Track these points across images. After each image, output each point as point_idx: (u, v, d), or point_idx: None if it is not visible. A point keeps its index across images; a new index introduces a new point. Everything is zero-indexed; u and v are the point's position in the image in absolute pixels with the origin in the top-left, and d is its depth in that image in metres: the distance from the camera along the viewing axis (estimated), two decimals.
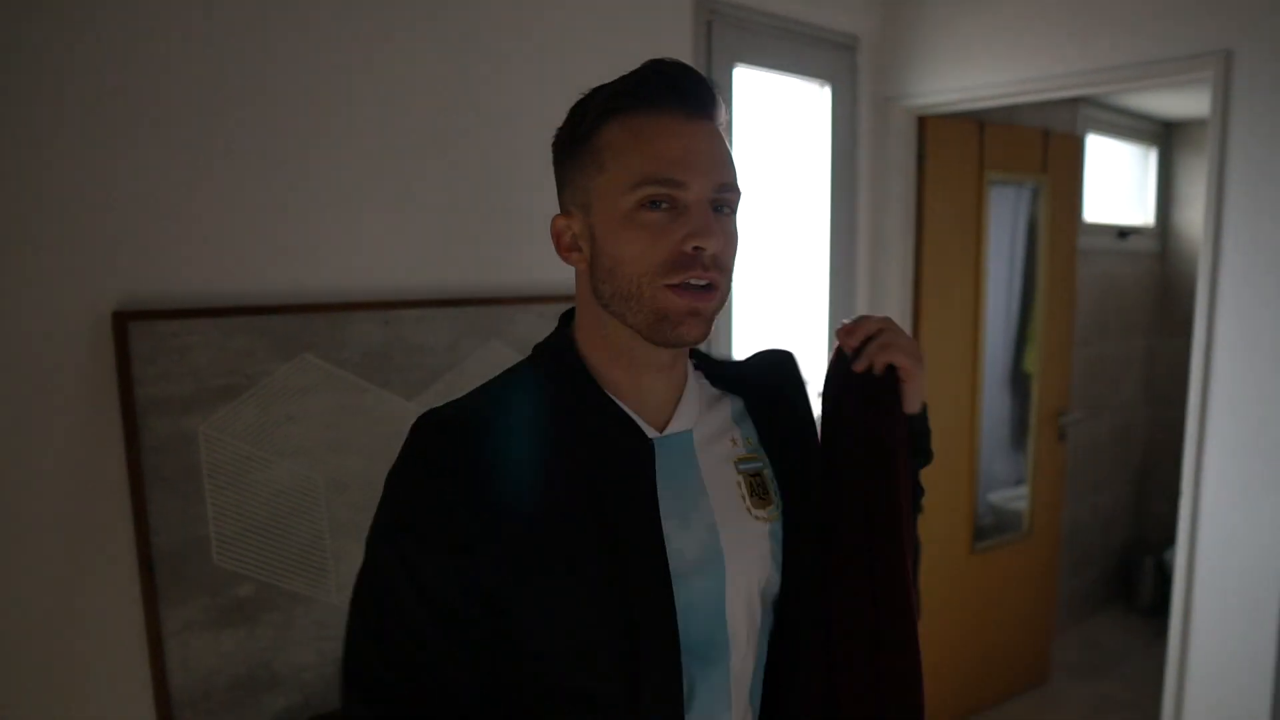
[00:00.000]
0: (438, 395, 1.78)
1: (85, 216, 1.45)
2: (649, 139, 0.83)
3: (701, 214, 0.83)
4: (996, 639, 3.32)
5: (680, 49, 2.26)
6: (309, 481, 1.67)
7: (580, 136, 0.87)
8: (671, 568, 0.87)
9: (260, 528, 1.62)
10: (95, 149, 1.45)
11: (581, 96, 0.90)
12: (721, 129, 0.89)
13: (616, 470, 0.88)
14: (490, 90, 1.90)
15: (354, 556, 1.42)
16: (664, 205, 0.83)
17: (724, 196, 0.86)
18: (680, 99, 0.84)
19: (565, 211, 0.91)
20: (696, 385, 0.99)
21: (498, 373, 0.97)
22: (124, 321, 1.47)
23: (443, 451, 0.86)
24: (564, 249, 0.92)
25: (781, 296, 2.76)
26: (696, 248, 0.82)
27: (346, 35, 1.70)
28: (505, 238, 1.94)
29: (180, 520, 1.54)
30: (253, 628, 1.62)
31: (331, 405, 1.69)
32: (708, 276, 0.84)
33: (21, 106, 1.38)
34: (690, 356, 1.00)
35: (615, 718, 0.85)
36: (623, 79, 0.87)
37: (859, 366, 1.00)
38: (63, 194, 1.43)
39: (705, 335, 0.87)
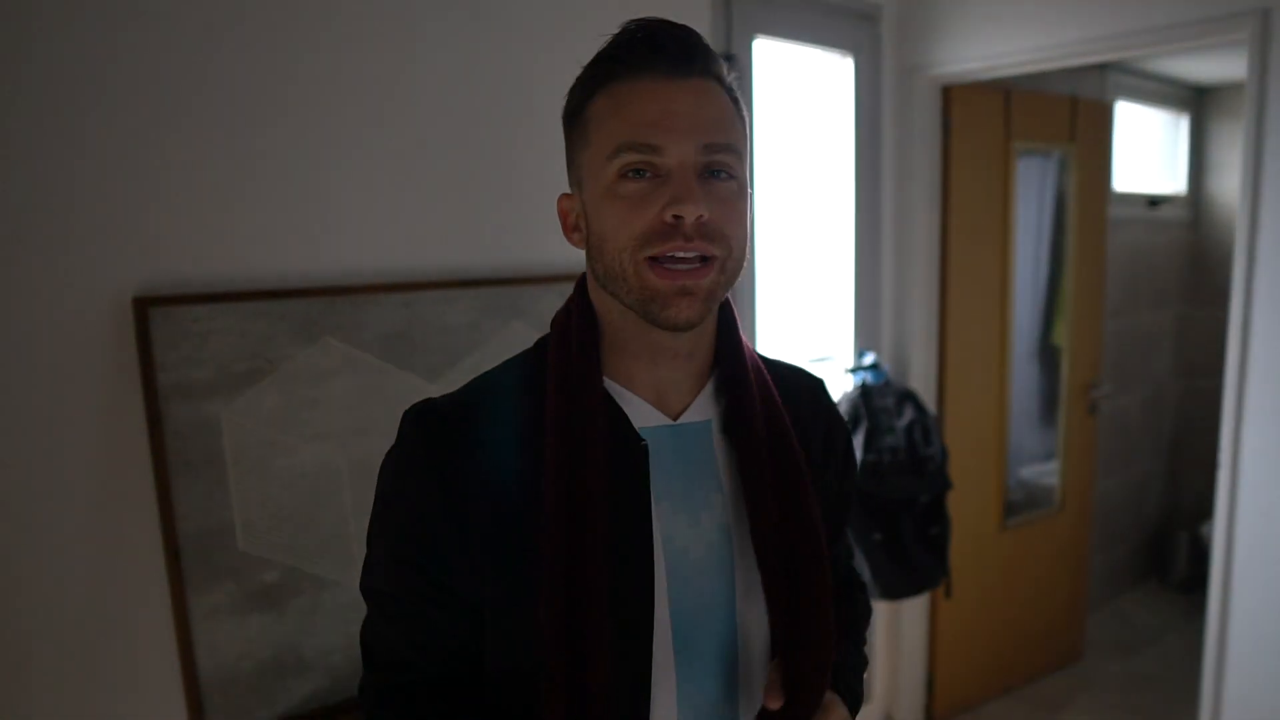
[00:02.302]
0: (460, 376, 1.76)
1: (105, 203, 1.45)
2: (625, 103, 0.78)
3: (683, 179, 0.76)
4: (1028, 616, 3.29)
5: (698, 20, 2.22)
6: (332, 465, 1.66)
7: (573, 110, 0.84)
8: (670, 568, 0.82)
9: (285, 512, 1.62)
10: (114, 137, 1.44)
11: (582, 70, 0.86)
12: (717, 84, 0.80)
13: (605, 466, 0.81)
14: (506, 67, 1.88)
15: None
16: (645, 174, 0.77)
17: (717, 159, 0.78)
18: (658, 57, 0.77)
19: (570, 191, 0.87)
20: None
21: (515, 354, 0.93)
22: (144, 307, 1.47)
23: (416, 447, 0.84)
24: (568, 229, 0.86)
25: (805, 273, 2.72)
26: (676, 216, 0.75)
27: (361, 17, 1.68)
28: (526, 217, 1.91)
29: (205, 506, 1.54)
30: (279, 613, 1.62)
31: (353, 388, 1.68)
32: (693, 247, 0.76)
33: (44, 97, 1.37)
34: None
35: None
36: (607, 46, 0.82)
37: None
38: (82, 181, 1.42)
39: (702, 316, 0.79)
